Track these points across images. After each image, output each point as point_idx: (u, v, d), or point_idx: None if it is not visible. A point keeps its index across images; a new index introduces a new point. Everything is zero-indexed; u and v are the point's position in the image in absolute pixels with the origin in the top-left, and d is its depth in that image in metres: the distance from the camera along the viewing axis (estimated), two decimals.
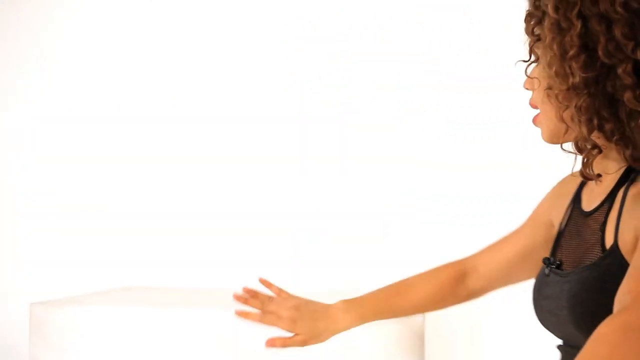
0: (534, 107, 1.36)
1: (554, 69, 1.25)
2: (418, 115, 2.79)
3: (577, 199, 1.43)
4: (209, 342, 2.18)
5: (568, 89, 1.24)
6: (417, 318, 1.97)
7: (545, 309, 1.38)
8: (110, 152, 2.97)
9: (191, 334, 2.19)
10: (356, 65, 2.85)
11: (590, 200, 1.38)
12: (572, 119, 1.27)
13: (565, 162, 1.43)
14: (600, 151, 1.27)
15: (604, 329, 1.07)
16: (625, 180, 1.30)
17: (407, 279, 1.71)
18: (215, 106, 2.93)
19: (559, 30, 1.24)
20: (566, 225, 1.43)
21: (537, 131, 1.40)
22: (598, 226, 1.31)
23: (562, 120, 1.29)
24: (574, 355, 1.18)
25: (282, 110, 2.89)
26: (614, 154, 1.29)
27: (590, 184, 1.40)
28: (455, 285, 1.68)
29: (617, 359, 1.04)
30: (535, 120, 1.36)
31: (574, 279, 1.31)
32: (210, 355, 2.18)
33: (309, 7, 2.89)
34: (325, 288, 2.75)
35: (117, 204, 2.96)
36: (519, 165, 2.95)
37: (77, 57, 3.03)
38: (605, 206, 1.32)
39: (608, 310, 1.16)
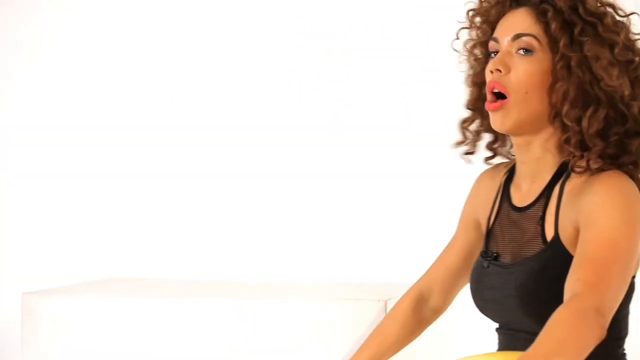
0: (503, 90, 1.41)
1: (607, 77, 1.36)
2: (416, 111, 2.80)
3: (505, 195, 1.53)
4: (198, 332, 2.19)
5: (610, 87, 1.35)
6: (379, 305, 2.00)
7: (489, 298, 1.48)
8: (104, 144, 2.98)
9: (181, 323, 2.19)
10: (354, 62, 2.85)
11: (523, 196, 1.48)
12: (566, 103, 1.37)
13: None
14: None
15: (561, 315, 1.19)
16: (559, 176, 1.41)
17: (378, 327, 1.75)
18: (213, 101, 2.94)
19: (616, 39, 1.38)
20: (495, 220, 1.53)
21: None
22: (536, 220, 1.42)
23: (542, 114, 1.41)
24: (514, 336, 1.43)
25: (280, 106, 2.90)
26: (558, 151, 1.43)
27: (519, 181, 1.50)
28: (419, 312, 1.72)
29: (574, 340, 1.16)
30: (501, 106, 1.41)
31: (518, 270, 1.42)
32: (200, 344, 2.18)
33: (307, 4, 2.89)
34: (314, 279, 2.77)
35: (109, 195, 2.97)
36: None
37: (74, 47, 3.03)
38: (542, 201, 1.42)
39: (553, 296, 1.29)
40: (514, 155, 1.56)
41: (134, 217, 2.96)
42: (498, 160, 1.61)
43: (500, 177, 1.57)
